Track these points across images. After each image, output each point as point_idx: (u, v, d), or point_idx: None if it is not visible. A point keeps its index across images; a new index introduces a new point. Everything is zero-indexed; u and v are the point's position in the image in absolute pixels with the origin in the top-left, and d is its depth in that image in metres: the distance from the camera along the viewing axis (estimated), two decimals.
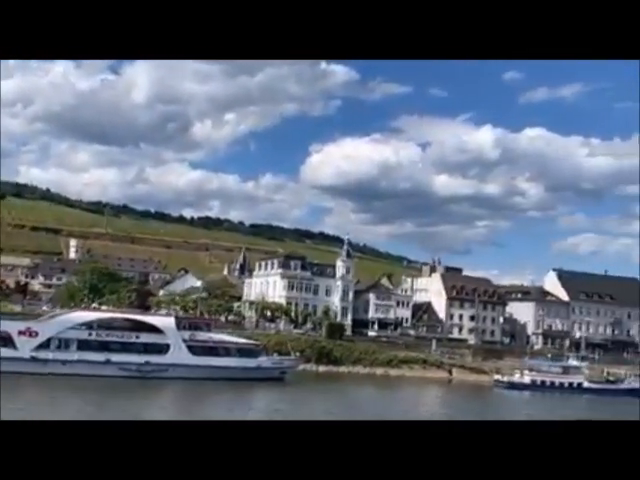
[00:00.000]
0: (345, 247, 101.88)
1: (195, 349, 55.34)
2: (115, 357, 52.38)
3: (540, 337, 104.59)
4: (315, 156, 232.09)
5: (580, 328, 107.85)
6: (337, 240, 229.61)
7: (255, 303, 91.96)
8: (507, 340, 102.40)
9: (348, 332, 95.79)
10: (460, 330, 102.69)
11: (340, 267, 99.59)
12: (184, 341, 55.46)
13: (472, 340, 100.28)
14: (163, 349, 54.20)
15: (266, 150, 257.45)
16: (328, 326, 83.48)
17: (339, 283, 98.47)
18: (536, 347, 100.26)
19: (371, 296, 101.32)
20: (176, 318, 59.24)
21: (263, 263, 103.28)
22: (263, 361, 58.37)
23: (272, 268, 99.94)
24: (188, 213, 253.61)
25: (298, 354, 63.74)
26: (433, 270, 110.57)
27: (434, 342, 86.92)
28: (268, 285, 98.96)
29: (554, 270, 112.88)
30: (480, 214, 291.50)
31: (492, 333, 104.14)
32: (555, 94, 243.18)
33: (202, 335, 57.18)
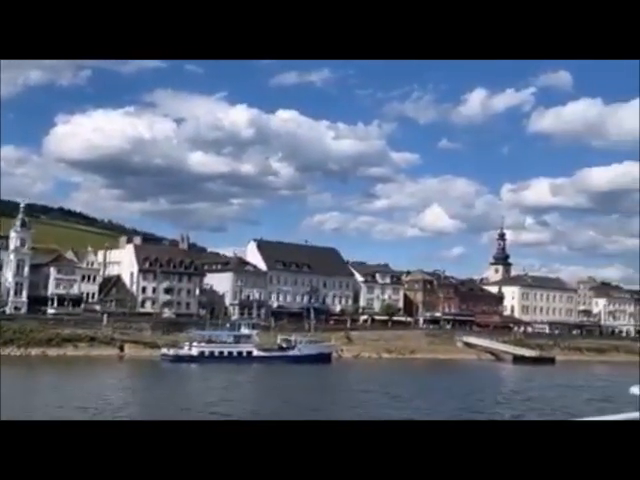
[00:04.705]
0: (20, 216, 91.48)
1: None
2: None
3: (237, 307, 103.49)
4: (62, 128, 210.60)
5: (278, 297, 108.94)
6: (79, 216, 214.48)
7: None
8: (203, 312, 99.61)
9: (23, 310, 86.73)
10: (153, 303, 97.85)
11: (14, 238, 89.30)
12: None
13: (166, 313, 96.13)
14: None
15: (7, 120, 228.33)
16: None
17: (12, 256, 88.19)
18: (233, 317, 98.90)
19: (52, 270, 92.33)
20: None
21: None
22: None
23: None
24: None
25: None
26: (130, 241, 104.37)
27: (105, 317, 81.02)
28: None
29: (254, 240, 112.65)
30: (235, 192, 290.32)
31: (188, 305, 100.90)
32: (305, 79, 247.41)
33: None
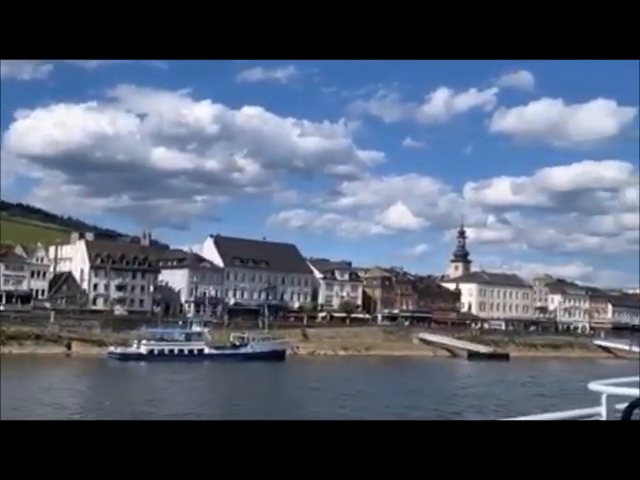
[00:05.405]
0: None
1: None
2: None
3: (192, 305, 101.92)
4: (22, 122, 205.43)
5: (235, 294, 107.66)
6: (39, 212, 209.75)
7: None
8: (158, 309, 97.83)
9: None
10: (106, 301, 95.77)
11: None
12: None
13: (118, 311, 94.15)
14: None
15: None
16: None
17: None
18: (189, 315, 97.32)
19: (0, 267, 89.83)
20: None
21: None
22: None
23: None
24: None
25: None
26: (82, 237, 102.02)
27: (52, 315, 78.95)
28: None
29: (211, 236, 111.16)
30: (199, 188, 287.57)
31: (142, 302, 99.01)
32: (270, 75, 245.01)
33: None
